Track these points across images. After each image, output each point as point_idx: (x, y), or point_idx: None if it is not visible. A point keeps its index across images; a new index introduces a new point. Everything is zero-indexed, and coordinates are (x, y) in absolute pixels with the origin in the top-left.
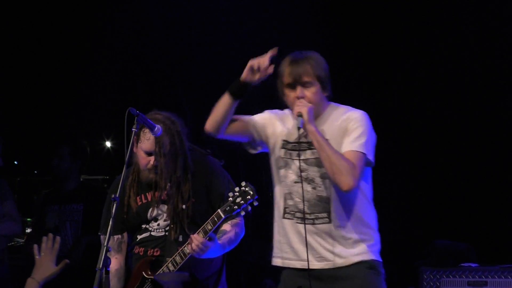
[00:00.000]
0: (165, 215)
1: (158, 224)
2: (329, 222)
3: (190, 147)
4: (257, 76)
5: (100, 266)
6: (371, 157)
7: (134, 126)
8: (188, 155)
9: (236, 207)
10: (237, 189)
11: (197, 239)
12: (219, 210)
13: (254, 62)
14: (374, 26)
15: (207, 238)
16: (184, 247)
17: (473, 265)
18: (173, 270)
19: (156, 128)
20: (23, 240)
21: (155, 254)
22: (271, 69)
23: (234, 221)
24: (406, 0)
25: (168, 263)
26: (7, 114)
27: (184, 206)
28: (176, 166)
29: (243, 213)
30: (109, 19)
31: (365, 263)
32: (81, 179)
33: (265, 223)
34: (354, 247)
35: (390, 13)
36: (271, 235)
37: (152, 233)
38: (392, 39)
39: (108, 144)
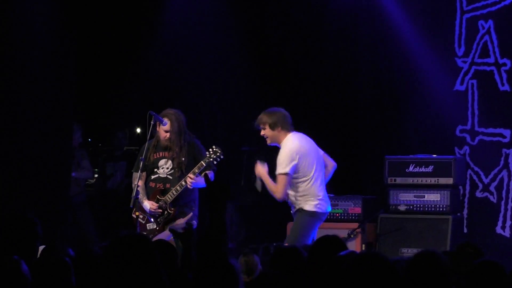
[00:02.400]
0: (169, 165)
1: (163, 170)
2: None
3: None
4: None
5: (134, 195)
6: (287, 170)
7: (152, 120)
8: (186, 133)
9: (211, 159)
10: (211, 150)
11: (190, 176)
12: (201, 161)
13: None
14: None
15: (195, 175)
16: (182, 181)
17: (331, 195)
18: (177, 191)
19: (163, 122)
20: (93, 181)
21: (160, 187)
22: None
23: (209, 172)
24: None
25: (173, 190)
26: (83, 108)
27: (183, 159)
28: (180, 139)
29: (215, 162)
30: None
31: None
32: (124, 149)
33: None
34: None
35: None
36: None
37: (160, 175)
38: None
39: (138, 130)
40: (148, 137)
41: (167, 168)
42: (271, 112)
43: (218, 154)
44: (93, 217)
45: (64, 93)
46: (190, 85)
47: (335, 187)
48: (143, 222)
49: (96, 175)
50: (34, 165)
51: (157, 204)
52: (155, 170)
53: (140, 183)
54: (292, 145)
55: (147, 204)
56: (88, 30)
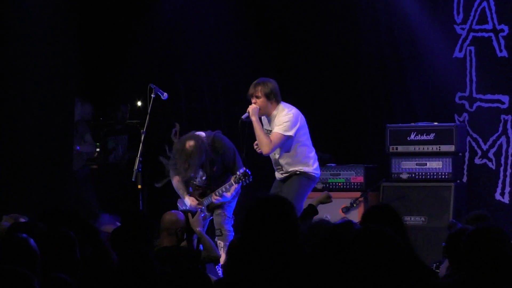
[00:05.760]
0: (202, 175)
1: (199, 180)
2: (282, 170)
3: (213, 137)
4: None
5: (136, 168)
6: (290, 133)
7: (153, 93)
8: (208, 151)
9: (240, 182)
10: (241, 171)
11: (214, 196)
12: (232, 180)
13: None
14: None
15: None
16: (214, 192)
17: (333, 165)
18: (209, 201)
19: (164, 95)
20: (95, 155)
21: (200, 190)
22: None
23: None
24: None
25: (206, 198)
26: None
27: (214, 169)
28: (204, 159)
29: (243, 184)
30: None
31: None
32: (126, 122)
33: None
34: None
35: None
36: None
37: (197, 184)
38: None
39: (139, 103)
40: (149, 110)
41: (202, 179)
42: (266, 82)
43: (247, 177)
44: (96, 191)
45: (66, 68)
46: (191, 57)
47: (337, 156)
48: None
49: (97, 149)
50: (37, 139)
51: (197, 201)
52: (192, 177)
53: (177, 178)
54: (293, 110)
55: (188, 200)
56: (90, 4)
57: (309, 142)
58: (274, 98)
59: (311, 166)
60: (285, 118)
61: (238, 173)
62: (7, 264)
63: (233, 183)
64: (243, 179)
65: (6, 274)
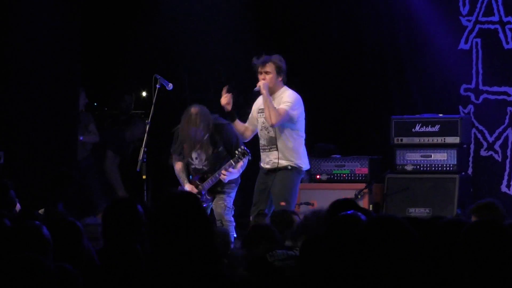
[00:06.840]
0: (202, 157)
1: (198, 162)
2: (277, 150)
3: (216, 119)
4: (228, 107)
5: (141, 158)
6: (292, 112)
7: (158, 83)
8: (211, 125)
9: (239, 159)
10: (239, 149)
11: (223, 173)
12: (231, 161)
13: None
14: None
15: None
16: (216, 173)
17: (337, 156)
18: (213, 181)
19: (169, 85)
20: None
21: (199, 174)
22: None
23: (242, 162)
24: None
25: (209, 179)
26: (88, 71)
27: (215, 151)
28: (207, 136)
29: (241, 161)
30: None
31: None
32: (130, 113)
33: None
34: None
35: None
36: None
37: (196, 166)
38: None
39: (144, 93)
40: (154, 101)
41: (201, 160)
42: (281, 59)
43: (246, 155)
44: (99, 182)
45: (70, 57)
46: (195, 47)
47: (341, 148)
48: None
49: None
50: (41, 129)
51: (196, 190)
52: (190, 160)
53: (179, 166)
54: (299, 96)
55: (188, 188)
56: None
57: (304, 134)
58: (282, 76)
59: (302, 160)
60: (290, 98)
61: (236, 152)
62: (20, 251)
63: (233, 163)
64: (242, 158)
65: (26, 262)
